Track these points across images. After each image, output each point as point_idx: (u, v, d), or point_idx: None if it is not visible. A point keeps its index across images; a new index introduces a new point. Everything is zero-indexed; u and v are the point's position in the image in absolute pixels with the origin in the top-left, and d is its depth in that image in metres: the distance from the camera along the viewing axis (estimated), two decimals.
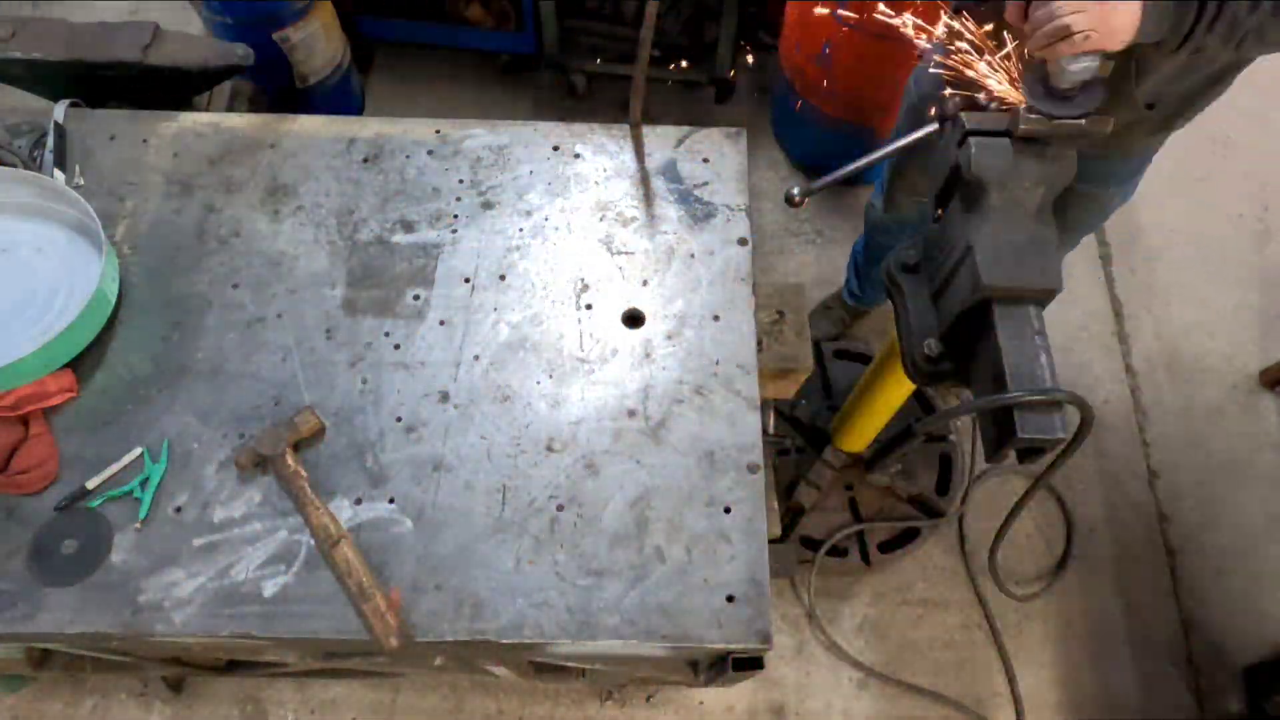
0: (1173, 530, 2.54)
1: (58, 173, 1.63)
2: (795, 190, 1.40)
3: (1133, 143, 1.62)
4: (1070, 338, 2.83)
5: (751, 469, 1.40)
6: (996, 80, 1.31)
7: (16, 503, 1.36)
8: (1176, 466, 2.63)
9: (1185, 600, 2.45)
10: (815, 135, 2.93)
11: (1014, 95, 1.29)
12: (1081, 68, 1.18)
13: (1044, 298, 1.27)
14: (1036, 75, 1.25)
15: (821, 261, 2.95)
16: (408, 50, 3.27)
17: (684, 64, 3.06)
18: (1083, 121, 1.22)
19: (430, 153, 1.72)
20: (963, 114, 1.30)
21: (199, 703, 2.24)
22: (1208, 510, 2.57)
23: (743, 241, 1.62)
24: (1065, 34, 1.14)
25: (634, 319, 1.55)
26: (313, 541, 1.33)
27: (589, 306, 1.55)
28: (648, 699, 2.27)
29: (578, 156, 1.72)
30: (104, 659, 1.78)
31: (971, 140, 1.26)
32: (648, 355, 1.50)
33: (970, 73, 1.33)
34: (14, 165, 1.62)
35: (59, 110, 1.70)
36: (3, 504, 1.36)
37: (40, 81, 1.98)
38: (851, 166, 1.42)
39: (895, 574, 2.45)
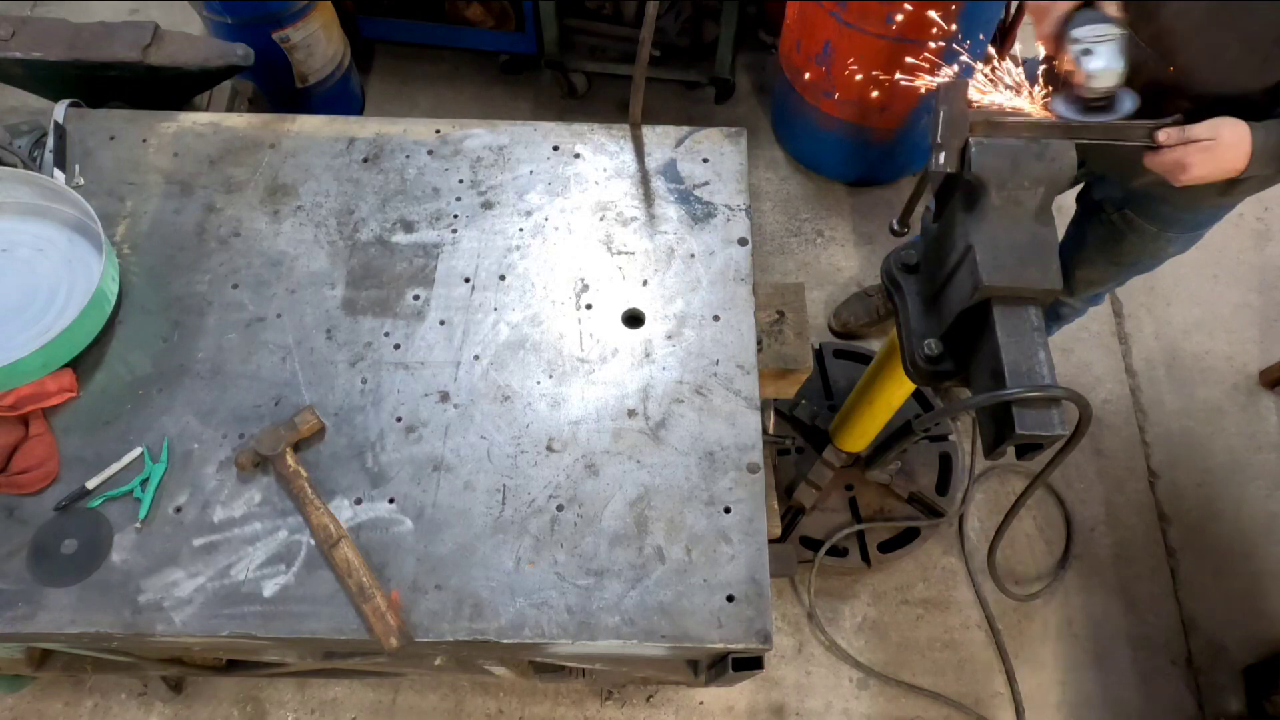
0: (1173, 530, 2.54)
1: (58, 173, 1.63)
2: (893, 223, 1.44)
3: (1199, 197, 1.60)
4: (1070, 338, 2.83)
5: (751, 469, 1.40)
6: (1023, 101, 1.33)
7: (16, 503, 1.36)
8: (1176, 466, 2.63)
9: (1185, 600, 2.45)
10: (815, 135, 2.93)
11: (1040, 113, 1.30)
12: (1104, 79, 1.20)
13: (1044, 298, 1.27)
14: (1067, 94, 1.27)
15: (821, 261, 2.95)
16: (408, 50, 3.27)
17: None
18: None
19: (430, 153, 1.72)
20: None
21: (199, 703, 2.24)
22: (1208, 510, 2.57)
23: (743, 241, 1.62)
24: (1183, 170, 1.30)
25: (634, 319, 1.55)
26: (313, 541, 1.33)
27: (589, 306, 1.55)
28: (648, 699, 2.27)
29: (578, 156, 1.72)
30: (104, 659, 1.78)
31: (971, 140, 1.27)
32: (648, 355, 1.50)
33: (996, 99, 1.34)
34: (14, 165, 1.62)
35: (59, 110, 1.70)
36: (3, 504, 1.36)
37: (40, 81, 1.98)
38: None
39: (895, 574, 2.45)
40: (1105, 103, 1.25)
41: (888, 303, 2.73)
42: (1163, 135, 1.30)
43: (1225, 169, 1.30)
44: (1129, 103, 1.26)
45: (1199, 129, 1.28)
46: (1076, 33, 1.23)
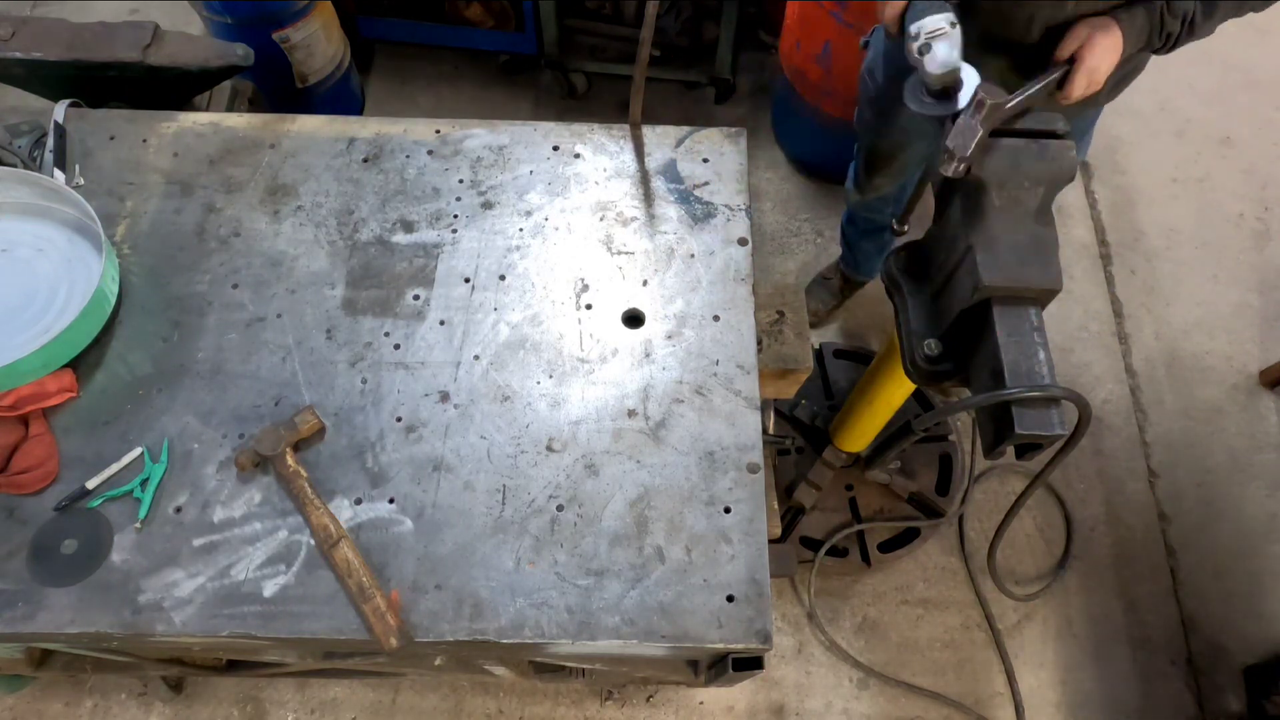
0: (1173, 530, 2.54)
1: (58, 173, 1.63)
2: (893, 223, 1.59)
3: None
4: (1070, 338, 2.83)
5: (751, 469, 1.40)
6: None
7: (16, 503, 1.36)
8: (1176, 466, 2.63)
9: (1185, 600, 2.45)
10: (815, 135, 2.93)
11: None
12: (945, 74, 1.25)
13: (1044, 298, 1.27)
14: (915, 84, 1.32)
15: (821, 261, 2.94)
16: (408, 50, 3.27)
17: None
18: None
19: (430, 153, 1.72)
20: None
21: (199, 703, 2.24)
22: (1208, 510, 2.57)
23: (743, 241, 1.62)
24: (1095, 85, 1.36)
25: (634, 319, 1.55)
26: (313, 541, 1.33)
27: (589, 306, 1.55)
28: (648, 699, 2.27)
29: (578, 156, 1.72)
30: (104, 659, 1.78)
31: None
32: (648, 355, 1.50)
33: None
34: (14, 165, 1.62)
35: (59, 110, 1.70)
36: (3, 504, 1.36)
37: (40, 81, 1.98)
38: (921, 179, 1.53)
39: (895, 574, 2.45)
40: (950, 89, 1.28)
41: (844, 283, 2.74)
42: (1077, 90, 1.36)
43: (1114, 61, 1.38)
44: (974, 79, 1.29)
45: (1088, 52, 1.34)
46: (913, 27, 1.25)
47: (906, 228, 1.59)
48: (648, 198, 1.67)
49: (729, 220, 1.65)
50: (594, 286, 1.57)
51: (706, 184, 1.69)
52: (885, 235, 2.51)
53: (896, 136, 1.97)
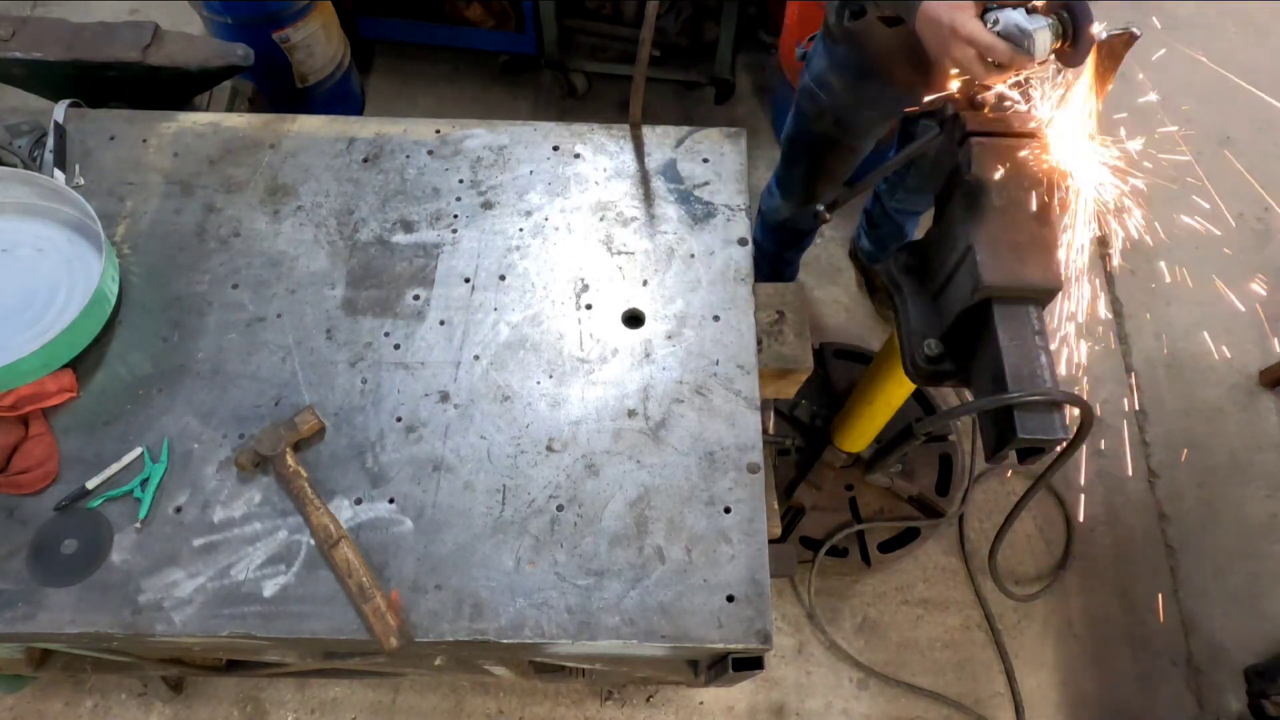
0: (1173, 530, 2.54)
1: (58, 173, 1.63)
2: (820, 208, 1.51)
3: None
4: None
5: (751, 469, 1.40)
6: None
7: (16, 503, 1.36)
8: (1176, 466, 2.63)
9: (1185, 600, 2.45)
10: None
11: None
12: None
13: (1044, 298, 1.27)
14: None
15: (821, 261, 2.95)
16: (408, 50, 3.27)
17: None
18: None
19: (430, 153, 1.72)
20: (962, 114, 1.30)
21: (199, 703, 2.24)
22: (1208, 510, 2.57)
23: (743, 241, 1.62)
24: None
25: (634, 319, 1.55)
26: (313, 541, 1.33)
27: (589, 306, 1.55)
28: (648, 699, 2.27)
29: (578, 156, 1.72)
30: (104, 659, 1.78)
31: (972, 141, 1.27)
32: (648, 355, 1.50)
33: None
34: (14, 165, 1.62)
35: (59, 110, 1.70)
36: (3, 504, 1.36)
37: (40, 81, 1.98)
38: (868, 179, 1.52)
39: (895, 574, 2.45)
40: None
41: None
42: None
43: None
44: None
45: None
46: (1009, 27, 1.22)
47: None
48: (648, 198, 1.67)
49: (729, 220, 1.65)
50: (594, 286, 1.57)
51: (706, 184, 1.69)
52: (806, 239, 2.51)
53: (853, 141, 1.91)
